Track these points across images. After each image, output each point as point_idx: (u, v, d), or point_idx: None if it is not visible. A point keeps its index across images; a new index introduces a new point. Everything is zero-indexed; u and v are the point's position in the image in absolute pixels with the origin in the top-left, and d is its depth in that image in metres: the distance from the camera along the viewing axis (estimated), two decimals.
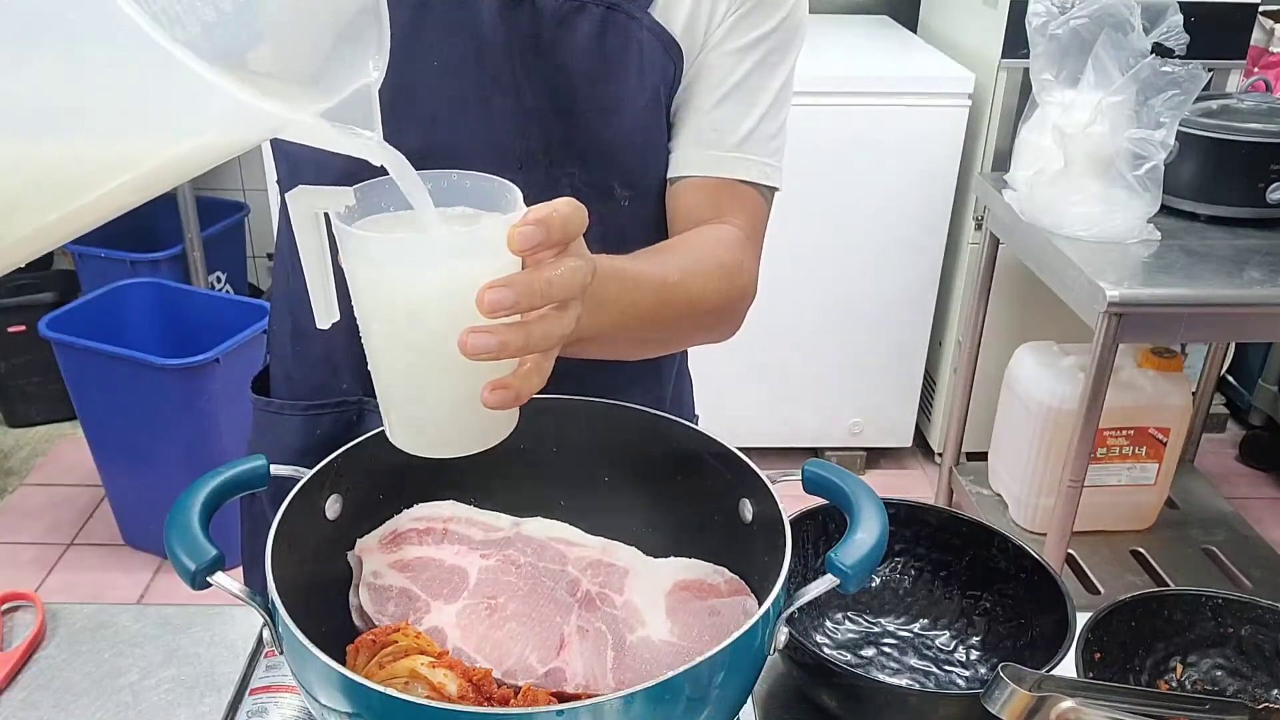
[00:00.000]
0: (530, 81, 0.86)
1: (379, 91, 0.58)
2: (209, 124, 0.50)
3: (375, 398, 0.80)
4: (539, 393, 0.88)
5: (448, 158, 0.86)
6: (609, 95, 0.88)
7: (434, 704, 0.62)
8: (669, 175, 0.93)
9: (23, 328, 2.74)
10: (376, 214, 0.65)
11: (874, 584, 0.97)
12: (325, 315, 0.69)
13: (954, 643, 0.94)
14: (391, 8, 0.73)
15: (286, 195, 0.63)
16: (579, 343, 0.68)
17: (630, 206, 0.91)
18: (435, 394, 0.65)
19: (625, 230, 0.91)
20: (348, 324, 0.94)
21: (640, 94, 0.88)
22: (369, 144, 0.57)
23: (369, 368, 0.66)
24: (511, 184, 0.65)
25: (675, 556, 0.82)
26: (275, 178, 1.01)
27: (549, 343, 0.61)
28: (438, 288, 0.60)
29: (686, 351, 1.13)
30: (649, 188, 0.92)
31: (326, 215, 0.64)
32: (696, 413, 1.13)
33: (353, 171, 0.63)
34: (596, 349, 0.77)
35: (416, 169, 0.85)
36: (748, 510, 0.79)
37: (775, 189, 0.94)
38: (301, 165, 0.91)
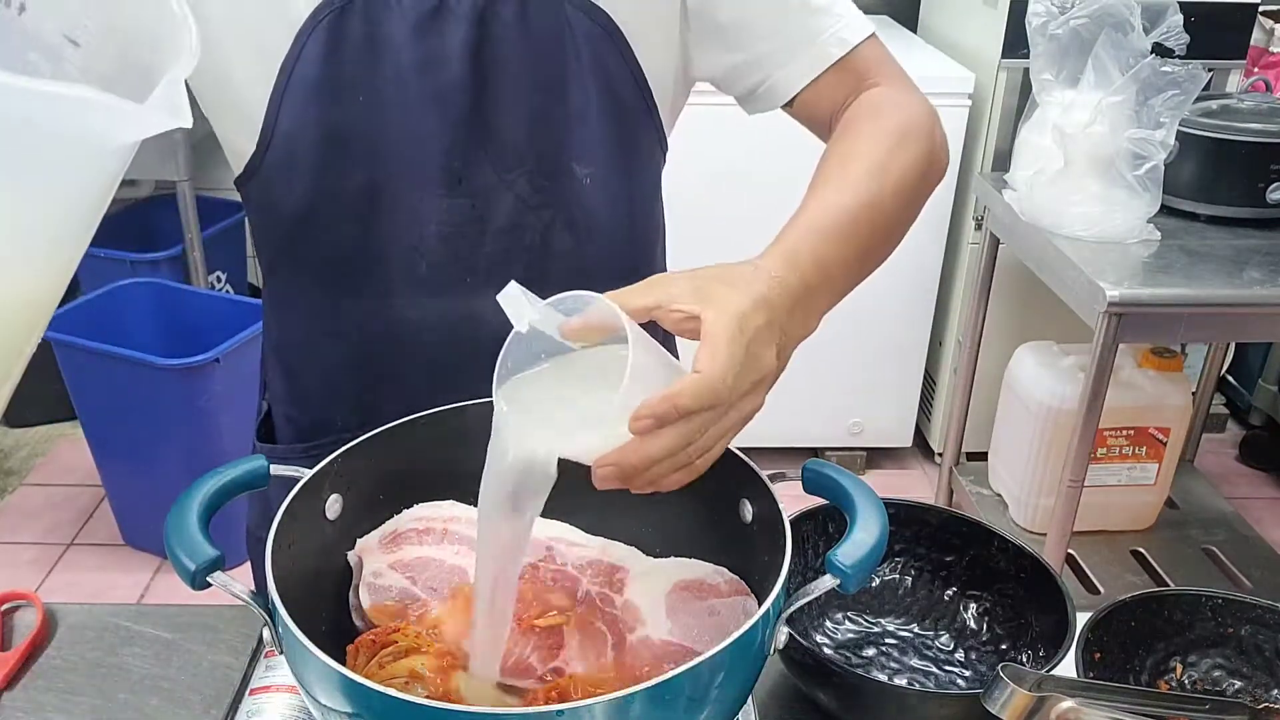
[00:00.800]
0: (458, 93, 0.85)
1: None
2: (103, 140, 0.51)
3: (372, 428, 0.81)
4: None
5: (389, 189, 0.87)
6: (546, 78, 0.86)
7: (434, 704, 0.62)
8: (784, 103, 0.92)
9: None
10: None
11: (874, 584, 0.97)
12: None
13: (954, 643, 0.94)
14: (308, 54, 0.80)
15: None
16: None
17: (594, 184, 0.90)
18: None
19: (594, 209, 0.91)
20: (341, 361, 0.95)
21: (580, 71, 0.87)
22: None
23: None
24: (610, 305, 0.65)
25: (675, 556, 0.82)
26: None
27: (660, 483, 0.65)
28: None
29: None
30: (613, 162, 0.91)
31: None
32: None
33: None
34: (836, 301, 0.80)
35: (360, 201, 0.89)
36: (748, 510, 0.79)
37: (872, 34, 0.92)
38: (282, 249, 0.94)
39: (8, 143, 0.48)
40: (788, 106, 0.93)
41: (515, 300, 0.65)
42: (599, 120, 0.89)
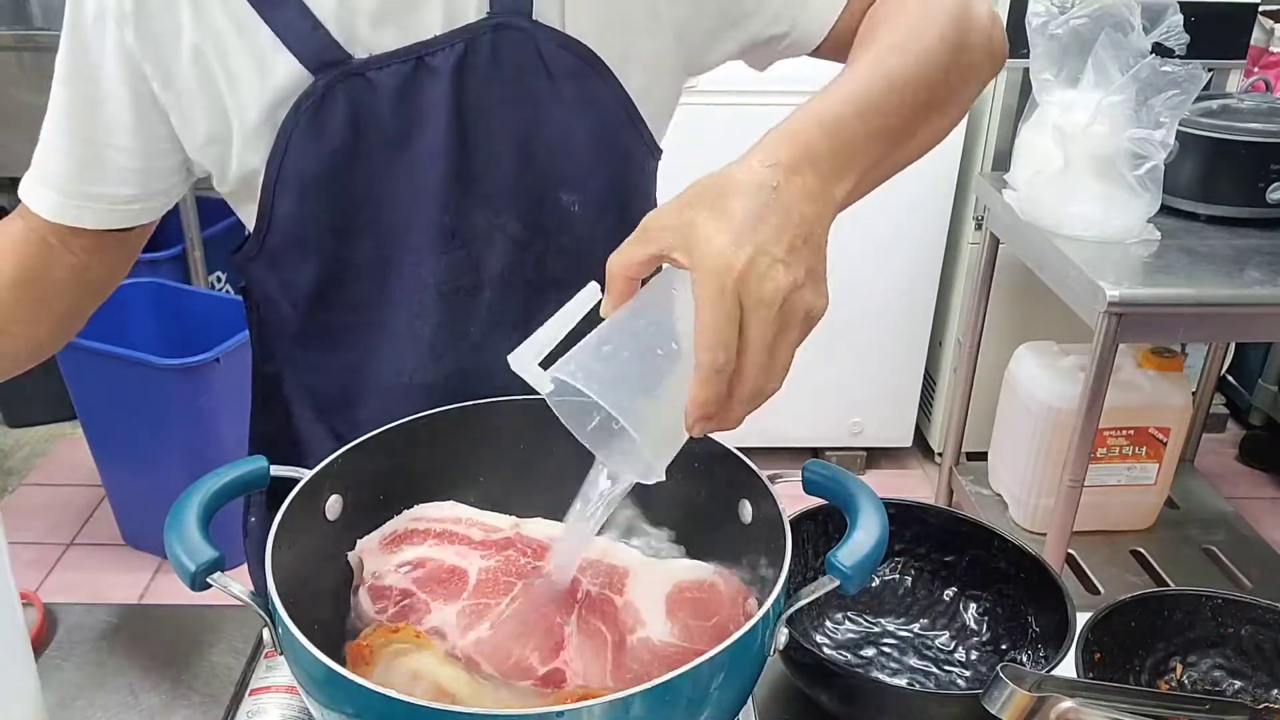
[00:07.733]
0: (444, 151, 0.84)
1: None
2: None
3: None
4: (537, 394, 0.88)
5: (392, 258, 0.87)
6: (526, 119, 0.85)
7: (434, 704, 0.62)
8: (820, 42, 0.87)
9: None
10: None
11: (874, 584, 0.97)
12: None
13: (954, 643, 0.94)
14: (294, 147, 0.83)
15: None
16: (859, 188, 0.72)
17: (584, 210, 0.89)
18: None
19: (583, 233, 0.89)
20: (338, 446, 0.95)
21: (560, 105, 0.85)
22: None
23: None
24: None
25: (675, 556, 0.82)
26: None
27: (762, 396, 0.66)
28: None
29: None
30: (600, 184, 0.89)
31: None
32: None
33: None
34: (885, 171, 0.78)
35: (359, 280, 0.90)
36: (748, 510, 0.79)
37: None
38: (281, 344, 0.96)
39: None
40: (827, 42, 0.88)
41: (525, 365, 0.65)
42: (584, 148, 0.87)
